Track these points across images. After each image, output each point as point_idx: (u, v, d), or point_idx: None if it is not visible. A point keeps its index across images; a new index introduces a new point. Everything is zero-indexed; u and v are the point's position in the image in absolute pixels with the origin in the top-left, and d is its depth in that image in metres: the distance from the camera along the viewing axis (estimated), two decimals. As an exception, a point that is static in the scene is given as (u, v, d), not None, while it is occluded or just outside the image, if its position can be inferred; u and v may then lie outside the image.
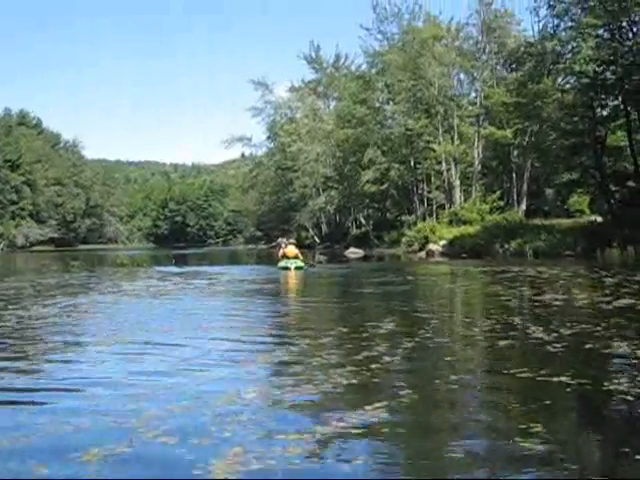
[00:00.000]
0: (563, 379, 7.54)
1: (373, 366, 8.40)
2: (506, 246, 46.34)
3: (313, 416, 6.35)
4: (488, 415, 6.55)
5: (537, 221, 51.96)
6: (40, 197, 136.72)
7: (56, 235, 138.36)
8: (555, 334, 10.74)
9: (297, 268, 33.31)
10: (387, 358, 8.94)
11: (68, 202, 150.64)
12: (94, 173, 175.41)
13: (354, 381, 7.65)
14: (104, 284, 24.80)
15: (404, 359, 9.15)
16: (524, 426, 5.80)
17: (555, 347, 9.65)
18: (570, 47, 44.22)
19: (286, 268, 33.27)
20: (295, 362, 8.91)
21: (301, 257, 35.58)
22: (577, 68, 41.32)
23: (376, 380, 7.82)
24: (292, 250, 35.33)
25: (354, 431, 5.75)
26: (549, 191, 69.02)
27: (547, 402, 6.84)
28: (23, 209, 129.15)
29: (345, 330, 11.81)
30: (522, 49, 50.94)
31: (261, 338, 11.37)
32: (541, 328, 11.37)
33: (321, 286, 26.98)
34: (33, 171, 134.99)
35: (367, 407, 6.42)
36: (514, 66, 53.06)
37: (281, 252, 35.68)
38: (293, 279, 29.31)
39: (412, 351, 9.69)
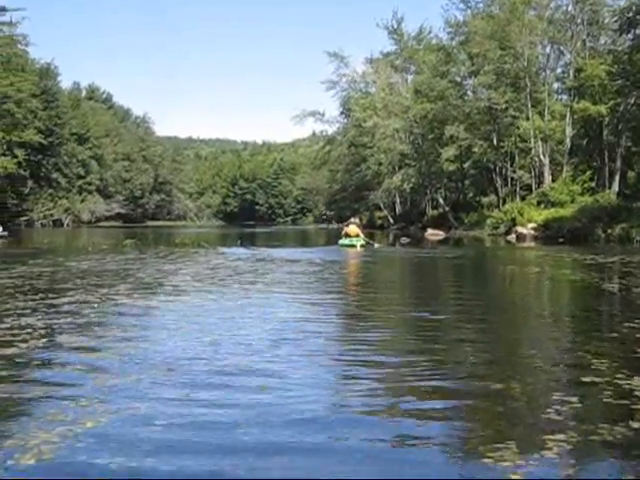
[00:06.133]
0: None
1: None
2: (609, 231, 41.93)
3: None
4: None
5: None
6: (108, 172, 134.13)
7: (123, 211, 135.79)
8: None
9: (362, 246, 34.77)
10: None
11: (136, 177, 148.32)
12: (163, 149, 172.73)
13: None
14: (146, 272, 19.83)
15: None
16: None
17: None
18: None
19: (351, 246, 34.66)
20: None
21: (362, 235, 36.73)
22: None
23: None
24: (354, 229, 36.88)
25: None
26: (631, 174, 64.31)
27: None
28: (90, 184, 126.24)
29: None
30: (634, 8, 46.02)
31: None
32: None
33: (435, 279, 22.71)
34: (101, 145, 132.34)
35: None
36: (625, 27, 48.02)
37: (343, 231, 37.70)
38: (356, 259, 28.93)
39: None
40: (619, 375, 6.89)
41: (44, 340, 8.80)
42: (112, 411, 5.71)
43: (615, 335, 9.52)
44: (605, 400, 6.06)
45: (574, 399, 6.03)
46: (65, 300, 12.86)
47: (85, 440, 5.02)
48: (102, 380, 6.73)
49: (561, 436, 5.08)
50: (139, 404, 5.92)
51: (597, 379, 6.75)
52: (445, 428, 5.49)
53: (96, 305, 12.14)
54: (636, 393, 6.22)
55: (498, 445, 4.94)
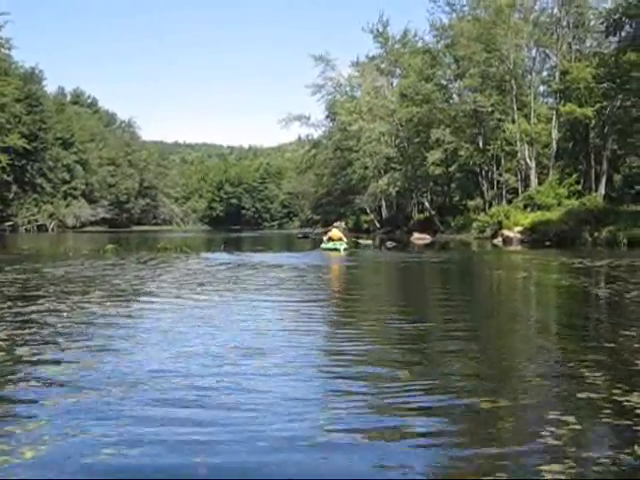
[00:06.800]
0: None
1: None
2: (596, 234, 41.63)
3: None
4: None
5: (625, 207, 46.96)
6: (93, 177, 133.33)
7: (108, 216, 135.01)
8: None
9: (345, 250, 35.04)
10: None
11: (122, 182, 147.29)
12: (149, 153, 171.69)
13: None
14: (123, 278, 19.01)
15: None
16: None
17: None
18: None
19: (334, 249, 34.86)
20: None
21: (345, 239, 37.26)
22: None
23: None
24: (337, 233, 37.54)
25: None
26: (617, 177, 64.23)
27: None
28: (75, 188, 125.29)
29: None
30: (620, 10, 45.59)
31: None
32: None
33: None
34: (86, 150, 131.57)
35: None
36: (611, 29, 47.40)
37: (326, 235, 38.13)
38: (340, 264, 28.44)
39: None
40: (616, 390, 6.41)
41: (2, 353, 8.23)
42: (60, 436, 5.15)
43: (609, 345, 8.98)
44: (605, 420, 5.55)
45: (571, 419, 5.51)
46: (34, 308, 12.27)
47: (20, 474, 4.47)
48: (58, 398, 6.18)
49: (558, 467, 4.55)
50: (93, 427, 5.38)
51: (594, 395, 6.25)
52: (428, 454, 4.98)
53: (65, 314, 11.56)
54: (638, 412, 5.71)
55: (486, 478, 4.42)
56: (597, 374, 7.10)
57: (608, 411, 5.74)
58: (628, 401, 6.03)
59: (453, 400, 6.18)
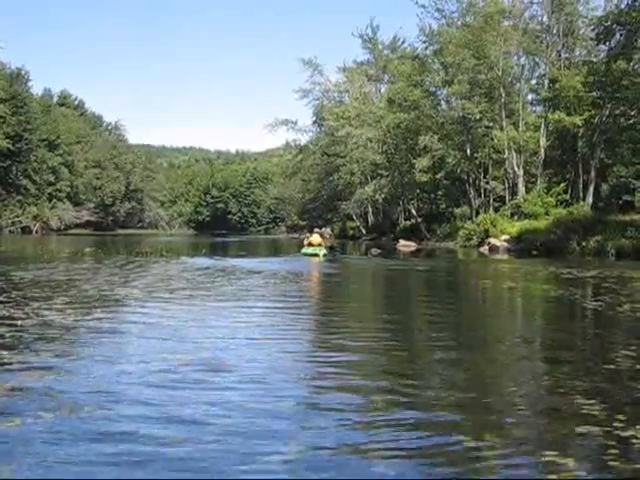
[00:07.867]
0: None
1: None
2: (584, 244, 41.15)
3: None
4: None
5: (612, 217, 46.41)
6: (78, 179, 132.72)
7: (93, 218, 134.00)
8: None
9: (324, 255, 35.43)
10: None
11: (107, 185, 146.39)
12: (135, 157, 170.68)
13: None
14: (94, 282, 18.21)
15: None
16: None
17: None
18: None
19: (314, 255, 35.28)
20: None
21: (324, 245, 37.50)
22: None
23: None
24: (317, 239, 37.70)
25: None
26: (604, 186, 63.89)
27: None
28: (60, 191, 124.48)
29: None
30: (611, 17, 45.06)
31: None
32: None
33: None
34: (72, 152, 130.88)
35: None
36: (602, 37, 46.81)
37: (306, 240, 38.58)
38: (320, 270, 28.13)
39: None
40: (618, 423, 5.65)
41: None
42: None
43: (606, 366, 8.19)
44: (611, 463, 4.77)
45: (570, 462, 4.74)
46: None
47: None
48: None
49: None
50: (13, 463, 4.58)
51: (594, 430, 5.48)
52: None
53: (19, 322, 10.75)
54: (647, 451, 4.95)
55: None
56: (594, 402, 6.36)
57: (613, 450, 4.99)
58: (634, 437, 5.28)
59: (432, 437, 5.39)
